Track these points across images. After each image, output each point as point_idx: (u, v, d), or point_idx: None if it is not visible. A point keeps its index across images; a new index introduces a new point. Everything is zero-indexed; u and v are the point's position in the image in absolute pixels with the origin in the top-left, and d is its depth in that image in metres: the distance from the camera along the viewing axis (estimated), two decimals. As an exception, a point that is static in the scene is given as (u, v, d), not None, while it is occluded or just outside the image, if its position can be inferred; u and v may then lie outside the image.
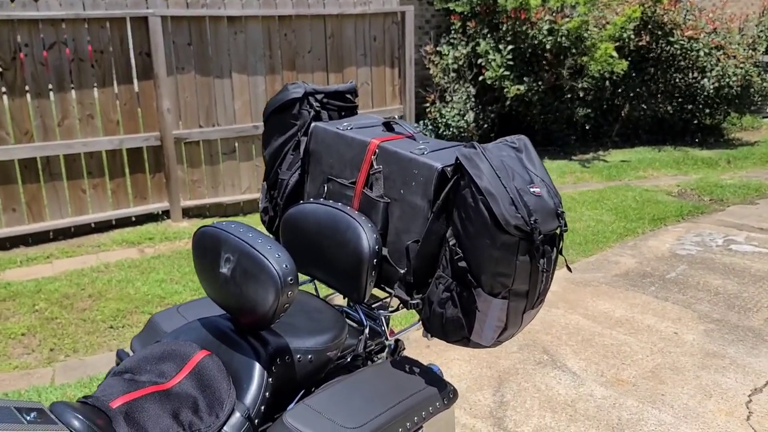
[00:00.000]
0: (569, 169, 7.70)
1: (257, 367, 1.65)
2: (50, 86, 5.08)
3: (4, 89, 4.93)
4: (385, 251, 1.90)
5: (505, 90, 7.62)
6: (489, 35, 7.78)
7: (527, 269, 1.68)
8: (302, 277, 2.16)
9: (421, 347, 3.51)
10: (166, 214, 5.71)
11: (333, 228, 1.90)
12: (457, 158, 1.70)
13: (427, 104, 8.03)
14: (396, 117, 2.14)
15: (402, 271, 1.87)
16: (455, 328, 1.78)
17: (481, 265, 1.68)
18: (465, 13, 7.91)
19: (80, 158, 5.27)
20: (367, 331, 1.99)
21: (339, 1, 6.18)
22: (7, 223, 5.08)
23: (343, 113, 2.22)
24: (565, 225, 1.76)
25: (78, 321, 3.93)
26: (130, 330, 3.81)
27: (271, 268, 1.56)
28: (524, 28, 7.55)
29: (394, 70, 6.67)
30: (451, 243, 1.73)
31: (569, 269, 1.87)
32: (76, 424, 1.38)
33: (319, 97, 2.15)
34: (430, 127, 7.99)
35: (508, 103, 7.89)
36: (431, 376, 1.89)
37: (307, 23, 6.05)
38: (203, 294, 1.99)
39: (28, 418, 1.34)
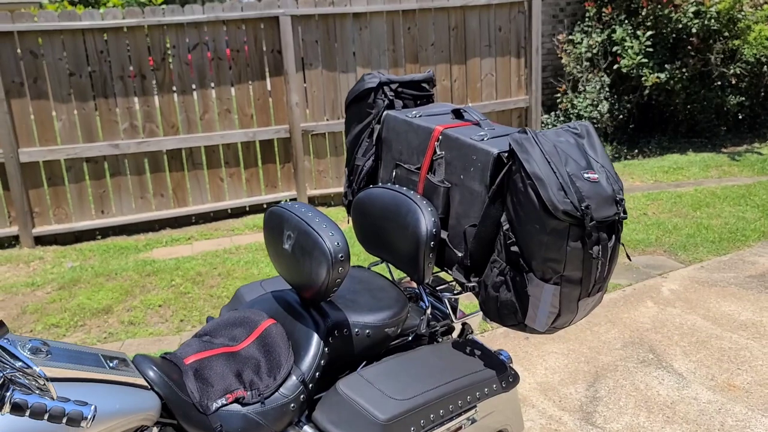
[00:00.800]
0: (715, 162, 7.11)
1: (315, 337, 1.76)
2: (193, 84, 5.59)
3: (155, 88, 5.51)
4: (445, 234, 1.93)
5: (643, 78, 7.19)
6: (626, 21, 7.38)
7: (579, 256, 1.64)
8: (373, 259, 2.26)
9: (519, 338, 3.47)
10: (294, 201, 6.05)
11: (395, 211, 1.97)
12: (509, 143, 1.71)
13: (559, 95, 7.79)
14: (469, 105, 2.15)
15: (460, 255, 1.90)
16: (509, 312, 1.78)
17: (531, 250, 1.67)
18: (601, -2, 7.57)
19: (219, 149, 5.76)
20: (429, 312, 2.04)
21: (463, -7, 6.19)
22: (156, 207, 5.68)
23: (419, 102, 2.27)
24: (624, 212, 1.70)
25: (206, 296, 4.32)
26: (249, 306, 4.13)
27: (324, 246, 1.67)
28: (666, 11, 7.08)
29: (520, 60, 6.56)
30: (504, 228, 1.73)
31: (629, 258, 1.80)
32: (151, 374, 1.58)
33: (393, 86, 2.22)
34: (561, 118, 7.74)
35: (646, 92, 7.44)
36: (492, 359, 1.90)
37: (430, 16, 6.12)
38: None
39: (111, 364, 1.55)
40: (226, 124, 5.76)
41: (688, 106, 7.74)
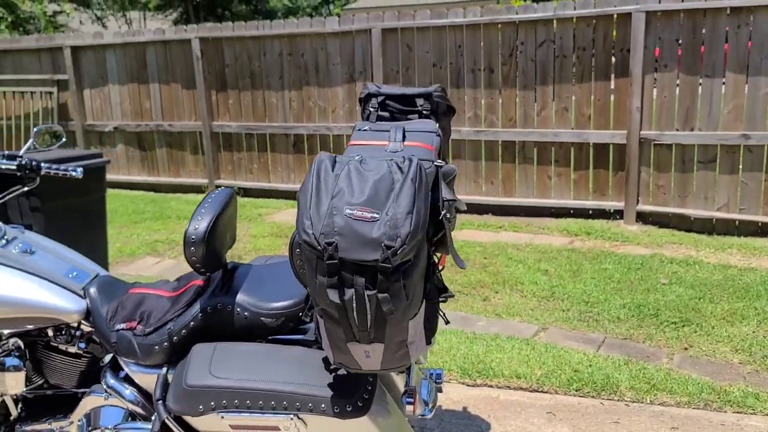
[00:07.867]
0: None
1: (198, 303, 2.05)
2: (535, 80, 5.69)
3: (500, 82, 5.83)
4: None
5: None
6: None
7: (326, 293, 1.50)
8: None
9: (607, 420, 2.73)
10: (619, 214, 5.59)
11: None
12: None
13: None
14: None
15: None
16: (319, 336, 1.73)
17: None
18: None
19: (550, 147, 5.74)
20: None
21: None
22: (485, 192, 6.08)
23: (408, 116, 2.14)
24: (387, 261, 1.43)
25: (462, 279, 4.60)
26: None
27: (187, 228, 1.93)
28: None
29: None
30: None
31: (446, 321, 1.46)
32: (91, 289, 2.18)
33: (379, 99, 2.15)
34: None
35: None
36: (348, 384, 1.82)
37: None
38: None
39: (72, 275, 2.20)
40: (562, 122, 5.67)
41: None
